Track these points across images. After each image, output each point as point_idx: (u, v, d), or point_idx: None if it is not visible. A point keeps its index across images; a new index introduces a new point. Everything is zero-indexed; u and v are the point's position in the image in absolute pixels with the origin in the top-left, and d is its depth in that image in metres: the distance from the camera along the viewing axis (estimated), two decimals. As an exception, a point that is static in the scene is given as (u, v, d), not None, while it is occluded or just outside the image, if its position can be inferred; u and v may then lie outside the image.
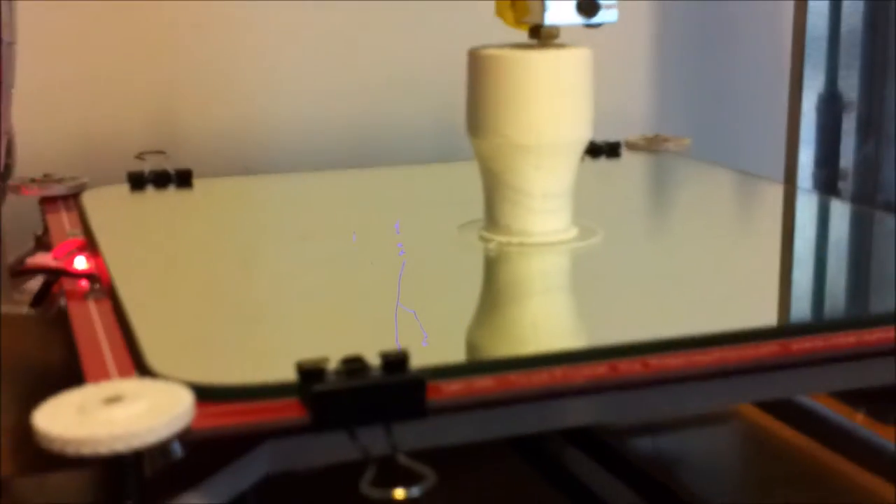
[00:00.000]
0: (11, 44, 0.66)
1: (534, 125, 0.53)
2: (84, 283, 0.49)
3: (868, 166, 0.84)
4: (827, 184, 0.83)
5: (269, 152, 0.91)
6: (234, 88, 0.90)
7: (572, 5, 0.52)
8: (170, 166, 0.71)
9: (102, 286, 0.49)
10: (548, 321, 0.49)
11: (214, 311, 0.48)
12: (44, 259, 0.51)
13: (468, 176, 0.58)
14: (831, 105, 0.83)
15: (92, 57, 0.87)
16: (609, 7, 0.53)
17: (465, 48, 0.90)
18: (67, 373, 0.41)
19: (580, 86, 0.55)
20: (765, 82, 1.03)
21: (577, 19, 0.53)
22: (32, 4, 0.79)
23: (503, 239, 0.55)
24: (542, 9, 0.52)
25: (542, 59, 0.53)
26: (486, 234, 0.56)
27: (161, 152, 0.72)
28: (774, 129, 0.97)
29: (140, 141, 0.86)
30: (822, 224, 0.68)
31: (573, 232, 0.57)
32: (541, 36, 0.54)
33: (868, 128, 0.83)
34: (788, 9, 0.91)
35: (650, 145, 0.80)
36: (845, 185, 0.83)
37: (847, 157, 0.84)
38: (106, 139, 0.88)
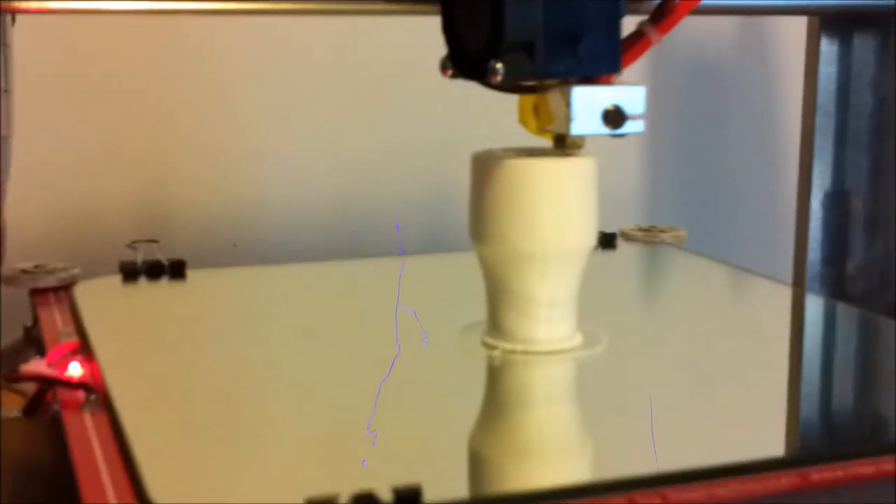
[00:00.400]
0: (8, 137, 0.65)
1: (539, 233, 0.53)
2: (79, 393, 0.48)
3: (877, 265, 0.83)
4: (834, 283, 0.82)
5: (259, 228, 0.91)
6: (225, 166, 0.90)
7: (599, 115, 0.51)
8: (162, 254, 0.70)
9: (98, 396, 0.48)
10: (556, 441, 0.47)
11: (215, 427, 0.46)
12: (38, 366, 0.50)
13: (463, 269, 0.57)
14: (838, 202, 0.82)
15: (82, 138, 0.86)
16: (636, 118, 0.52)
17: (456, 127, 0.90)
18: (58, 473, 0.40)
19: (586, 193, 0.54)
20: (765, 176, 1.03)
21: (604, 130, 0.52)
22: (20, 88, 0.78)
23: (507, 346, 0.55)
24: (569, 118, 0.51)
25: (548, 167, 0.53)
26: (490, 341, 0.55)
27: (154, 241, 0.71)
28: (775, 223, 0.97)
29: (131, 212, 0.86)
30: (834, 333, 0.68)
31: (578, 339, 0.56)
32: (566, 146, 0.53)
33: (876, 226, 0.82)
34: (790, 99, 0.91)
35: (646, 237, 0.80)
36: (853, 285, 0.82)
37: (855, 255, 0.82)
38: (97, 217, 0.87)
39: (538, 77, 0.51)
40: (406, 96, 0.93)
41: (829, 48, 0.80)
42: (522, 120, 0.54)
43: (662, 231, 0.81)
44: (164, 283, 0.68)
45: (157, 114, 0.88)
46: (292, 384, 0.52)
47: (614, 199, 0.98)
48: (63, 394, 0.49)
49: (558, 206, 0.53)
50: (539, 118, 0.53)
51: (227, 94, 0.89)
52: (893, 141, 0.82)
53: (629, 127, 0.51)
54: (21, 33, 0.68)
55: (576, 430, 0.50)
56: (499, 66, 0.49)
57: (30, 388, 0.51)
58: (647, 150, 1.02)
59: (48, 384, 0.49)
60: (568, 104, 0.50)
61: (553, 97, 0.52)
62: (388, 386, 0.51)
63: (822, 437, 0.52)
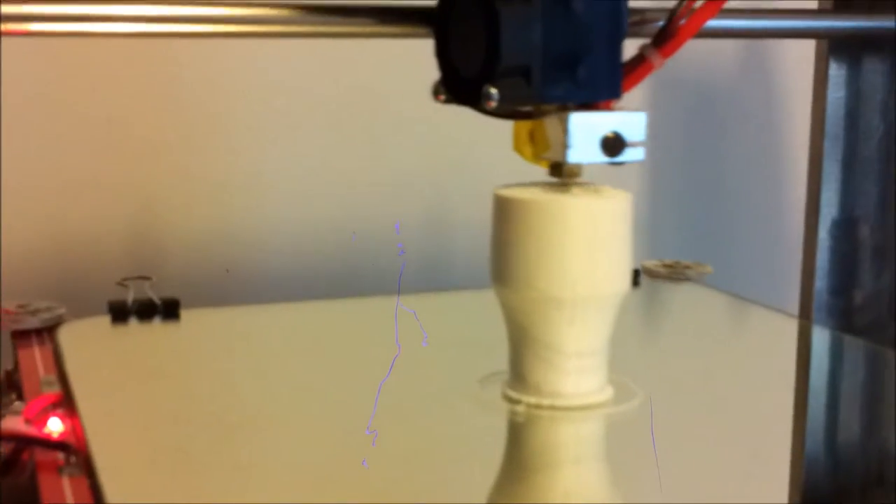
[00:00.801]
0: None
1: (569, 277, 0.49)
2: (58, 454, 0.45)
3: (885, 295, 0.81)
4: (842, 313, 0.80)
5: (254, 254, 0.89)
6: (218, 192, 0.88)
7: (597, 142, 0.49)
8: (155, 292, 0.66)
9: (78, 458, 0.44)
10: None
11: (206, 496, 0.43)
12: (15, 423, 0.46)
13: (474, 310, 0.54)
14: (847, 230, 0.80)
15: (69, 165, 0.84)
16: (636, 146, 0.49)
17: (453, 152, 0.88)
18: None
19: (620, 233, 0.50)
20: (771, 202, 1.01)
21: (602, 157, 0.49)
22: (6, 113, 0.77)
23: (532, 400, 0.51)
24: (566, 145, 0.48)
25: (579, 205, 0.49)
26: (513, 394, 0.51)
27: (146, 278, 0.68)
28: (781, 251, 0.95)
29: (121, 240, 0.83)
30: (870, 376, 0.65)
31: (609, 392, 0.52)
32: (562, 174, 0.50)
33: (885, 255, 0.80)
34: (795, 124, 0.90)
35: (671, 273, 0.77)
36: (862, 316, 0.80)
37: (864, 285, 0.80)
38: (86, 246, 0.85)
39: (535, 102, 0.49)
40: (402, 120, 0.91)
41: (837, 72, 0.78)
42: (517, 147, 0.51)
43: (688, 267, 0.77)
44: (157, 325, 0.65)
45: (147, 139, 0.86)
46: (295, 447, 0.48)
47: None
48: (41, 454, 0.45)
49: (590, 247, 0.49)
50: (535, 145, 0.50)
51: (219, 119, 0.87)
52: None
53: (629, 155, 0.49)
54: (6, 57, 0.66)
55: (605, 496, 0.46)
56: (493, 91, 0.47)
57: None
58: (648, 178, 1.00)
59: (24, 443, 0.46)
60: (565, 131, 0.48)
61: (550, 123, 0.49)
62: (400, 445, 0.48)
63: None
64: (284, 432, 0.50)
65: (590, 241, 0.49)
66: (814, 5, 0.79)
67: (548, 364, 0.50)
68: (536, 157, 0.51)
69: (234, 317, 0.69)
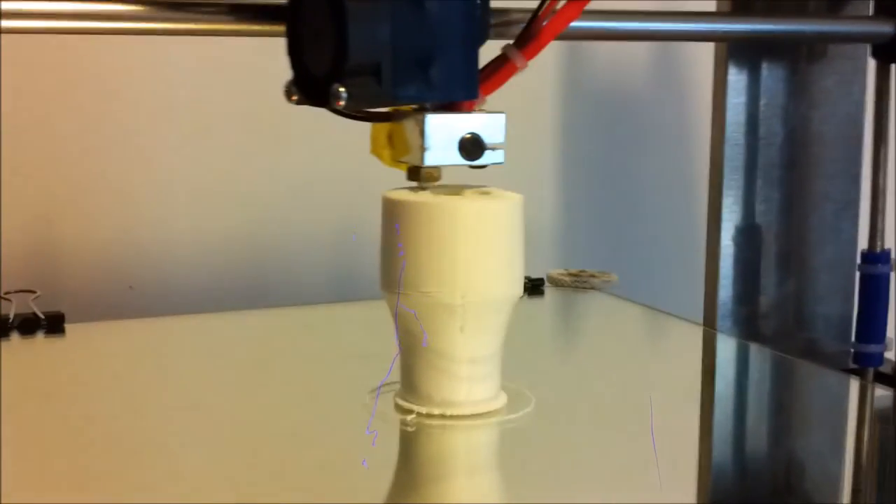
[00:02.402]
0: None
1: (459, 282, 0.47)
2: None
3: (790, 302, 0.80)
4: (746, 321, 0.79)
5: (159, 268, 0.87)
6: (121, 202, 0.86)
7: (455, 145, 0.48)
8: (43, 305, 0.64)
9: None
10: None
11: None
12: None
13: (371, 320, 0.53)
14: (749, 237, 0.79)
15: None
16: (495, 148, 0.48)
17: (367, 160, 0.86)
18: None
19: (511, 237, 0.49)
20: (678, 210, 1.01)
21: (461, 160, 0.48)
22: None
23: (423, 409, 0.49)
24: (422, 148, 0.47)
25: (469, 208, 0.48)
26: (403, 403, 0.50)
27: (30, 291, 0.66)
28: (689, 259, 0.94)
29: (16, 253, 0.81)
30: (775, 384, 0.65)
31: (502, 400, 0.51)
32: (420, 178, 0.49)
33: (788, 262, 0.80)
34: (702, 131, 0.89)
35: (576, 282, 0.76)
36: (766, 324, 0.80)
37: (768, 292, 0.80)
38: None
39: (385, 102, 0.47)
40: (314, 127, 0.90)
41: (737, 77, 0.78)
42: (375, 150, 0.50)
43: (593, 276, 0.77)
44: (40, 340, 0.63)
45: (45, 145, 0.84)
46: (184, 461, 0.47)
47: (527, 239, 0.95)
48: None
49: (481, 252, 0.48)
50: (394, 148, 0.49)
51: (120, 126, 0.85)
52: (804, 173, 0.79)
53: (488, 157, 0.48)
54: None
55: None
56: (342, 90, 0.45)
57: None
58: (558, 188, 0.99)
59: None
60: (422, 132, 0.47)
61: (408, 126, 0.48)
62: (287, 458, 0.46)
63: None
64: (173, 448, 0.49)
65: (481, 245, 0.48)
66: (712, 8, 0.79)
67: (439, 372, 0.49)
68: (395, 161, 0.49)
69: (121, 330, 0.68)
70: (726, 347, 0.72)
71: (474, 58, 0.48)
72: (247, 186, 0.89)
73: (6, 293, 0.66)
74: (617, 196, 1.02)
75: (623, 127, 1.01)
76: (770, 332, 0.80)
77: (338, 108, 0.46)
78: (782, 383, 0.65)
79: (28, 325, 0.64)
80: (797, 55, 0.78)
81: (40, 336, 0.63)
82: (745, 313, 0.80)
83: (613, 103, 1.00)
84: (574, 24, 0.59)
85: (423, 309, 0.48)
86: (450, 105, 0.48)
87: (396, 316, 0.50)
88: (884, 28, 0.70)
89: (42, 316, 0.64)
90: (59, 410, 0.53)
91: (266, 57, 0.86)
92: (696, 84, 1.01)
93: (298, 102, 0.49)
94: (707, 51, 0.83)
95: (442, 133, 0.47)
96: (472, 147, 0.47)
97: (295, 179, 0.90)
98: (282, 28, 0.49)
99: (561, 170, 0.98)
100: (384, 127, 0.49)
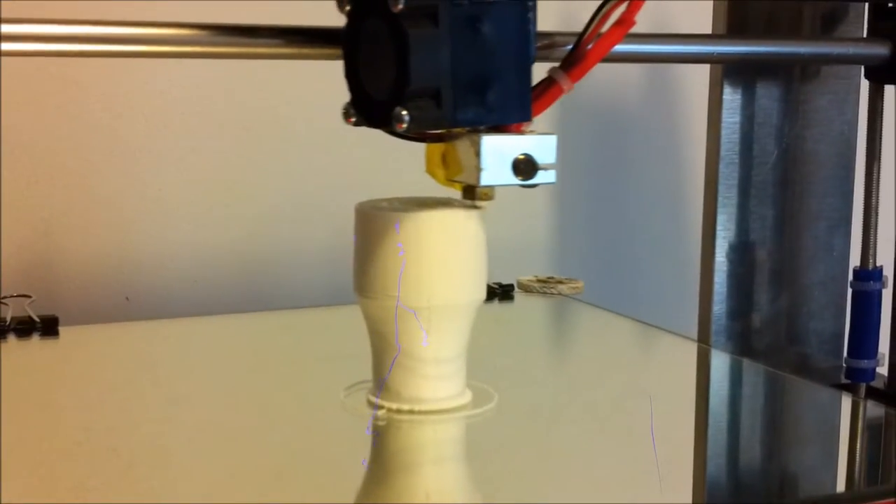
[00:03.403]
0: None
1: (425, 286, 0.51)
2: None
3: (783, 318, 0.81)
4: (740, 336, 0.80)
5: (154, 280, 0.87)
6: (117, 215, 0.86)
7: (509, 165, 0.49)
8: (39, 310, 0.67)
9: None
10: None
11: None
12: None
13: (357, 324, 0.54)
14: (743, 253, 0.80)
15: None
16: (548, 168, 0.50)
17: (357, 174, 0.87)
18: None
19: (474, 245, 0.52)
20: (671, 227, 1.02)
21: (514, 180, 0.49)
22: None
23: (392, 405, 0.52)
24: (478, 168, 0.49)
25: (433, 217, 0.51)
26: (374, 400, 0.53)
27: (26, 296, 0.68)
28: (680, 275, 0.95)
29: (14, 265, 0.82)
30: (740, 393, 0.66)
31: (467, 397, 0.54)
32: (475, 196, 0.51)
33: (781, 278, 0.81)
34: (695, 149, 0.90)
35: (543, 288, 0.78)
36: (760, 339, 0.80)
37: (761, 308, 0.81)
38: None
39: (446, 125, 0.49)
40: (308, 143, 0.90)
41: (732, 97, 0.79)
42: (430, 170, 0.52)
43: (560, 282, 0.79)
44: (35, 342, 0.65)
45: (44, 159, 0.84)
46: (172, 455, 0.49)
47: (520, 250, 0.95)
48: None
49: (444, 258, 0.51)
50: (447, 168, 0.51)
51: (118, 140, 0.86)
52: (797, 191, 0.80)
53: (540, 177, 0.49)
54: None
55: (465, 496, 0.48)
56: (404, 113, 0.47)
57: None
58: (553, 200, 1.00)
59: None
60: (478, 153, 0.48)
61: (462, 146, 0.49)
62: (267, 449, 0.49)
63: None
64: (165, 449, 0.50)
65: (443, 252, 0.51)
66: (708, 31, 0.80)
67: (407, 371, 0.52)
68: (449, 180, 0.51)
69: (115, 332, 0.70)
70: (720, 363, 0.73)
71: (528, 81, 0.49)
72: (243, 198, 0.90)
73: (3, 297, 0.67)
74: (612, 212, 1.03)
75: (618, 144, 1.02)
76: (763, 348, 0.81)
77: (399, 130, 0.47)
78: (775, 398, 0.66)
79: (24, 328, 0.66)
80: (791, 75, 0.79)
81: (35, 338, 0.65)
82: (739, 329, 0.80)
83: (608, 121, 1.01)
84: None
85: (391, 312, 0.51)
86: (502, 126, 0.49)
87: (368, 319, 0.53)
88: (878, 50, 0.71)
89: (37, 319, 0.66)
90: (52, 411, 0.55)
91: (264, 72, 0.87)
92: (689, 102, 1.02)
93: (356, 124, 0.50)
94: (700, 70, 0.85)
95: (496, 154, 0.48)
96: (525, 167, 0.49)
97: (291, 191, 0.91)
98: (337, 52, 0.50)
99: (556, 186, 0.99)
100: (438, 147, 0.51)
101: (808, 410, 0.64)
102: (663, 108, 1.03)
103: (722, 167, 0.79)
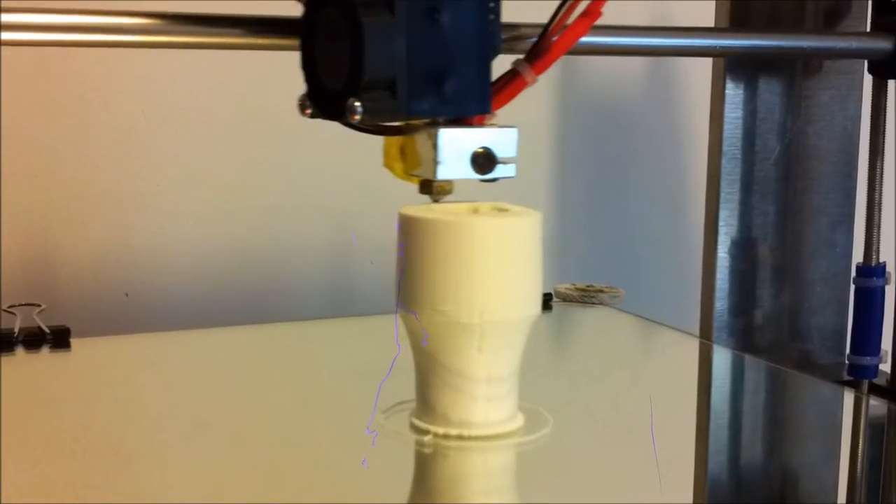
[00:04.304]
0: None
1: (477, 301, 0.47)
2: None
3: (785, 314, 0.81)
4: (742, 333, 0.80)
5: (154, 277, 0.87)
6: (117, 211, 0.86)
7: (467, 159, 0.48)
8: (45, 319, 0.64)
9: None
10: None
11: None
12: None
13: (378, 336, 0.52)
14: (745, 250, 0.80)
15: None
16: (507, 162, 0.48)
17: (359, 169, 0.85)
18: None
19: (530, 256, 0.48)
20: (672, 223, 1.01)
21: (473, 174, 0.48)
22: None
23: (440, 430, 0.48)
24: (435, 161, 0.47)
25: (487, 225, 0.47)
26: (419, 423, 0.49)
27: (35, 304, 0.65)
28: (683, 271, 0.95)
29: (14, 261, 0.81)
30: (770, 395, 0.65)
31: (520, 421, 0.50)
32: (432, 191, 0.49)
33: (784, 274, 0.80)
34: (697, 145, 0.90)
35: (583, 297, 0.76)
36: (762, 336, 0.80)
37: (763, 304, 0.80)
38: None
39: (401, 117, 0.47)
40: (308, 138, 0.90)
41: (734, 92, 0.78)
42: (388, 163, 0.50)
43: (601, 291, 0.77)
44: (45, 354, 0.62)
45: (44, 155, 0.84)
46: (192, 480, 0.46)
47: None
48: None
49: (499, 270, 0.47)
50: (405, 161, 0.49)
51: (118, 136, 0.85)
52: (800, 187, 0.80)
53: (500, 171, 0.48)
54: None
55: None
56: (357, 104, 0.45)
57: None
58: (554, 197, 1.00)
59: None
60: (435, 146, 0.47)
61: (420, 139, 0.48)
62: (304, 480, 0.46)
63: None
64: (177, 462, 0.48)
65: (498, 263, 0.47)
66: (710, 24, 0.80)
67: (456, 391, 0.48)
68: (407, 174, 0.50)
69: (127, 346, 0.67)
70: (722, 359, 0.72)
71: (487, 73, 0.48)
72: (243, 194, 0.89)
73: (10, 306, 0.65)
74: (613, 209, 1.02)
75: (619, 140, 1.02)
76: (765, 344, 0.80)
77: (352, 121, 0.46)
78: (777, 395, 0.66)
79: (34, 340, 0.63)
80: (794, 70, 0.79)
81: (45, 351, 0.63)
82: (741, 325, 0.80)
83: (610, 116, 1.00)
84: (591, 39, 0.60)
85: (439, 328, 0.47)
86: (461, 119, 0.48)
87: (413, 336, 0.49)
88: (882, 44, 0.71)
89: (47, 330, 0.63)
90: (63, 425, 0.52)
91: (264, 66, 0.87)
92: (692, 97, 1.01)
93: (312, 116, 0.49)
94: (702, 65, 0.84)
95: (454, 147, 0.47)
96: (484, 161, 0.48)
97: (293, 189, 0.90)
98: (295, 42, 0.49)
99: (557, 183, 0.98)
100: (396, 140, 0.49)
101: (810, 407, 0.64)
102: (665, 103, 1.03)
103: (724, 162, 0.78)
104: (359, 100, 0.45)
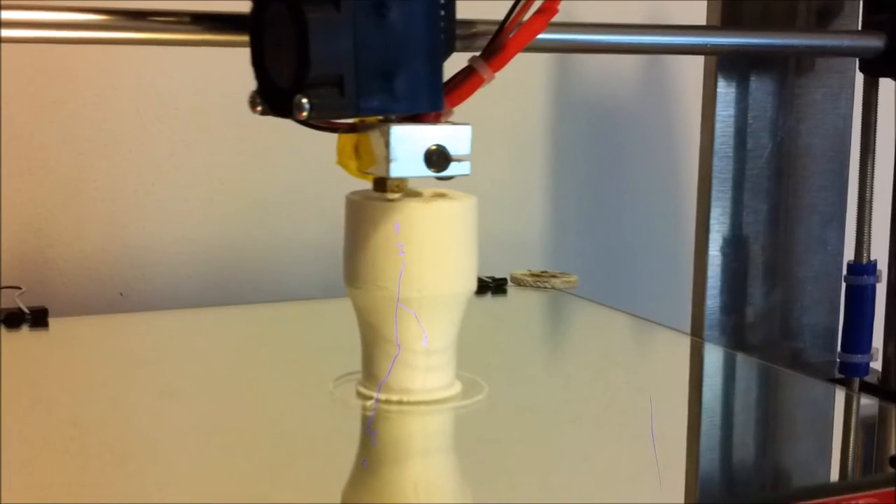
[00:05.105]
0: None
1: (415, 277, 0.50)
2: None
3: (777, 312, 0.81)
4: (734, 330, 0.80)
5: (147, 275, 0.87)
6: (109, 210, 0.86)
7: (421, 157, 0.48)
8: (30, 302, 0.67)
9: None
10: (433, 498, 0.45)
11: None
12: None
13: (348, 316, 0.54)
14: (737, 248, 0.80)
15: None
16: (461, 160, 0.49)
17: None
18: None
19: (465, 236, 0.51)
20: (665, 221, 1.02)
21: (427, 171, 0.49)
22: None
23: (382, 396, 0.52)
24: (388, 159, 0.48)
25: (424, 208, 0.50)
26: (364, 391, 0.53)
27: (16, 287, 0.68)
28: (675, 269, 0.95)
29: (7, 260, 0.81)
30: (733, 387, 0.66)
31: (457, 388, 0.53)
32: (387, 189, 0.50)
33: (775, 272, 0.80)
34: (690, 143, 0.90)
35: (537, 282, 0.78)
36: (754, 333, 0.80)
37: (755, 302, 0.80)
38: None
39: (349, 114, 0.47)
40: (301, 136, 0.90)
41: (726, 90, 0.78)
42: (342, 161, 0.51)
43: (554, 276, 0.79)
44: (24, 333, 0.65)
45: (36, 153, 0.84)
46: (163, 448, 0.49)
47: (515, 244, 0.95)
48: None
49: (435, 248, 0.50)
50: (360, 159, 0.50)
51: (110, 134, 0.85)
52: (791, 185, 0.80)
53: (454, 169, 0.48)
54: None
55: (453, 487, 0.47)
56: (305, 101, 0.45)
57: None
58: (547, 195, 1.00)
59: None
60: (387, 144, 0.47)
61: (373, 137, 0.48)
62: (256, 441, 0.49)
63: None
64: (153, 438, 0.50)
65: (434, 243, 0.50)
66: (702, 22, 0.80)
67: (397, 361, 0.51)
68: (361, 172, 0.50)
69: (104, 324, 0.70)
70: (714, 357, 0.73)
71: (438, 69, 0.48)
72: (236, 192, 0.89)
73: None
74: (605, 206, 1.02)
75: (612, 138, 1.02)
76: (757, 342, 0.81)
77: (301, 119, 0.46)
78: (769, 392, 0.66)
79: (13, 320, 0.66)
80: (785, 68, 0.79)
81: (25, 329, 0.66)
82: (733, 323, 0.80)
83: (602, 115, 1.01)
84: (563, 36, 0.61)
85: (381, 303, 0.50)
86: (415, 116, 0.48)
87: (358, 310, 0.53)
88: (873, 42, 0.71)
89: (27, 310, 0.66)
90: (42, 404, 0.54)
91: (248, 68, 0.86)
92: (684, 96, 1.01)
93: (263, 113, 0.49)
94: (695, 63, 0.84)
95: (407, 144, 0.47)
96: (437, 159, 0.48)
97: (285, 184, 0.90)
98: (245, 38, 0.49)
99: (550, 180, 0.98)
100: (350, 138, 0.50)
101: (801, 404, 0.64)
102: (659, 101, 1.03)
103: (716, 161, 0.79)
104: (306, 97, 0.45)
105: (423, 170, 0.48)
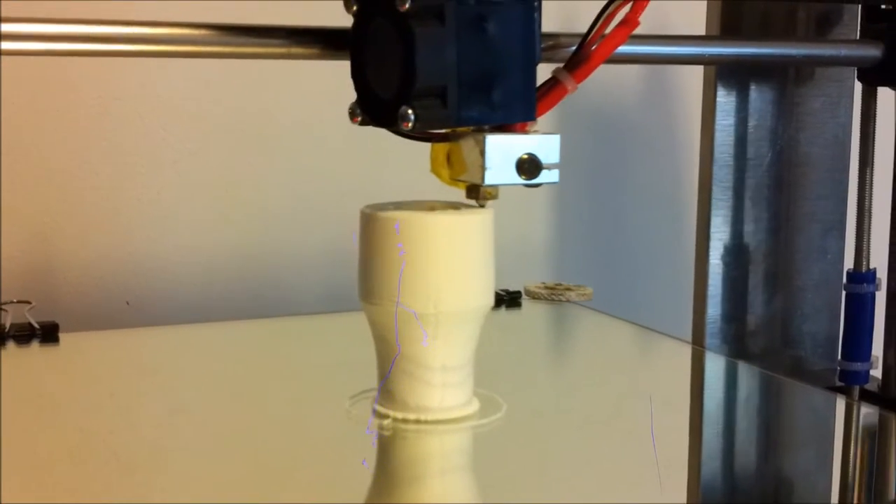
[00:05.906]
0: None
1: (432, 293, 0.49)
2: None
3: (778, 320, 0.81)
4: (735, 339, 0.80)
5: (154, 284, 0.87)
6: (116, 220, 0.86)
7: (513, 165, 0.49)
8: (39, 317, 0.66)
9: None
10: None
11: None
12: None
13: (360, 330, 0.54)
14: (738, 256, 0.80)
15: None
16: (551, 168, 0.50)
17: (361, 177, 0.86)
18: None
19: (482, 250, 0.51)
20: (668, 229, 1.02)
21: (518, 179, 0.49)
22: None
23: (398, 415, 0.51)
24: (483, 167, 0.49)
25: (440, 222, 0.50)
26: (380, 409, 0.52)
27: (26, 302, 0.67)
28: (677, 278, 0.95)
29: (14, 271, 0.82)
30: (738, 396, 0.66)
31: (474, 406, 0.53)
32: (479, 196, 0.51)
33: (776, 280, 0.81)
34: (692, 152, 0.90)
35: (551, 295, 0.77)
36: (755, 342, 0.80)
37: (755, 310, 0.81)
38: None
39: (451, 124, 0.49)
40: (307, 144, 0.90)
41: (726, 99, 0.79)
42: (435, 170, 0.52)
43: (569, 289, 0.78)
44: (35, 348, 0.65)
45: (43, 163, 0.84)
46: (174, 466, 0.48)
47: (518, 253, 0.95)
48: None
49: (453, 263, 0.50)
50: (452, 168, 0.51)
51: (116, 143, 0.86)
52: (791, 193, 0.80)
53: (544, 177, 0.49)
54: None
55: None
56: (410, 112, 0.47)
57: None
58: (551, 205, 1.00)
59: None
60: (482, 152, 0.48)
61: (466, 145, 0.49)
62: (270, 458, 0.48)
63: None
64: (164, 454, 0.50)
65: (451, 257, 0.50)
66: (702, 32, 0.80)
67: (414, 378, 0.51)
68: (453, 180, 0.51)
69: (116, 339, 0.70)
70: (715, 365, 0.73)
71: (533, 80, 0.49)
72: (242, 201, 0.89)
73: (2, 303, 0.67)
74: (607, 215, 1.03)
75: (612, 146, 1.02)
76: (758, 350, 0.81)
77: (404, 129, 0.47)
78: (769, 401, 0.66)
79: (23, 335, 0.65)
80: (785, 77, 0.79)
81: (35, 345, 0.65)
82: (733, 331, 0.80)
83: (605, 123, 1.01)
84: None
85: (397, 319, 0.50)
86: (505, 126, 0.49)
87: (373, 326, 0.52)
88: (871, 52, 0.71)
89: (37, 325, 0.65)
90: (51, 418, 0.54)
91: (262, 73, 0.87)
92: (684, 104, 1.02)
93: (362, 123, 0.50)
94: (695, 72, 0.85)
95: (501, 153, 0.49)
96: (529, 167, 0.49)
97: (291, 193, 0.91)
98: (345, 52, 0.50)
99: (551, 188, 0.99)
100: (443, 147, 0.51)
101: (802, 413, 0.64)
102: (660, 110, 1.03)
103: (716, 169, 0.79)
104: (411, 108, 0.47)
105: (515, 178, 0.49)
